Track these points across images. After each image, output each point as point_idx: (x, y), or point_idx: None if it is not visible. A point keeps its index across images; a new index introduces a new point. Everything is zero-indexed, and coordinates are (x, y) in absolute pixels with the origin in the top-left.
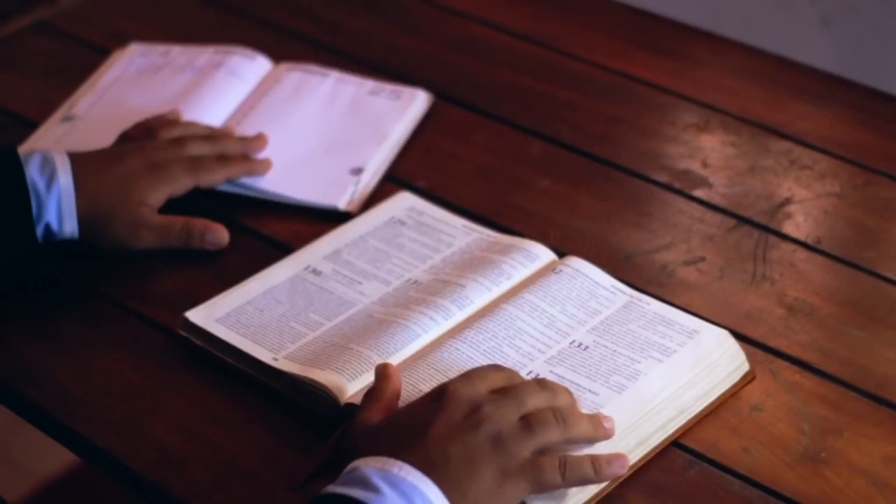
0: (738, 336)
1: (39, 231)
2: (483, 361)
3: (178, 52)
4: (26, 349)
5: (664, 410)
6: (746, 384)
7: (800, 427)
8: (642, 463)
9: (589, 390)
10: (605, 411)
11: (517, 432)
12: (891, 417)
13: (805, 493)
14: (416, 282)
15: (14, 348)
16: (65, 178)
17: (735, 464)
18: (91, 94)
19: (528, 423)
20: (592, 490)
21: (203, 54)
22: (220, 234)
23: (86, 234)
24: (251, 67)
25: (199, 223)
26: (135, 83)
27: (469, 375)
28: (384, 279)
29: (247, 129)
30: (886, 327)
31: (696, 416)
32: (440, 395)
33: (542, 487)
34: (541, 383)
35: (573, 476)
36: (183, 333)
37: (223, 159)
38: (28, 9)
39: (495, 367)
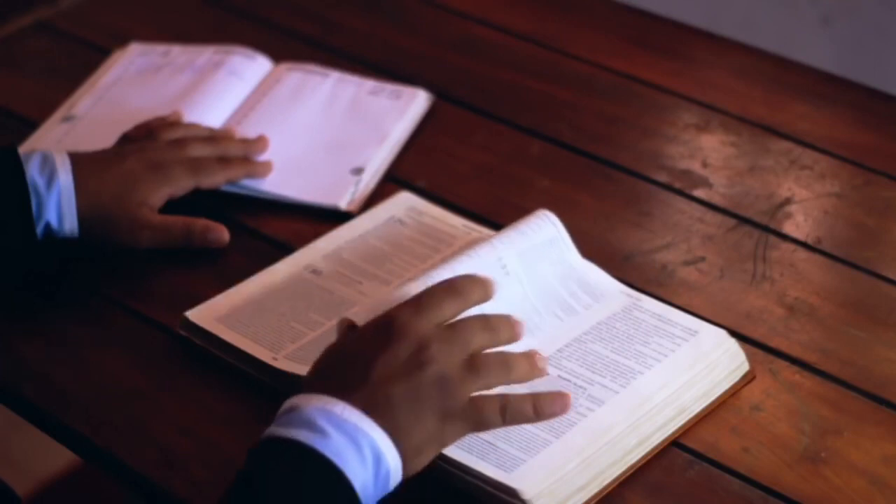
0: (738, 336)
1: (39, 230)
2: None
3: (178, 52)
4: (26, 349)
5: (664, 410)
6: (746, 384)
7: (800, 427)
8: (642, 463)
9: (587, 390)
10: (604, 410)
11: (462, 374)
12: (891, 417)
13: (805, 493)
14: (416, 280)
15: (14, 348)
16: (65, 178)
17: (735, 464)
18: (91, 94)
19: (474, 365)
20: (592, 490)
21: (203, 54)
22: (221, 234)
23: (86, 233)
24: (251, 67)
25: (200, 223)
26: (135, 83)
27: (420, 306)
28: (384, 279)
29: (247, 128)
30: (886, 327)
31: (696, 415)
32: (388, 326)
33: (482, 428)
34: (485, 321)
35: (513, 417)
36: (183, 333)
37: (224, 161)
38: (28, 9)
39: (449, 292)
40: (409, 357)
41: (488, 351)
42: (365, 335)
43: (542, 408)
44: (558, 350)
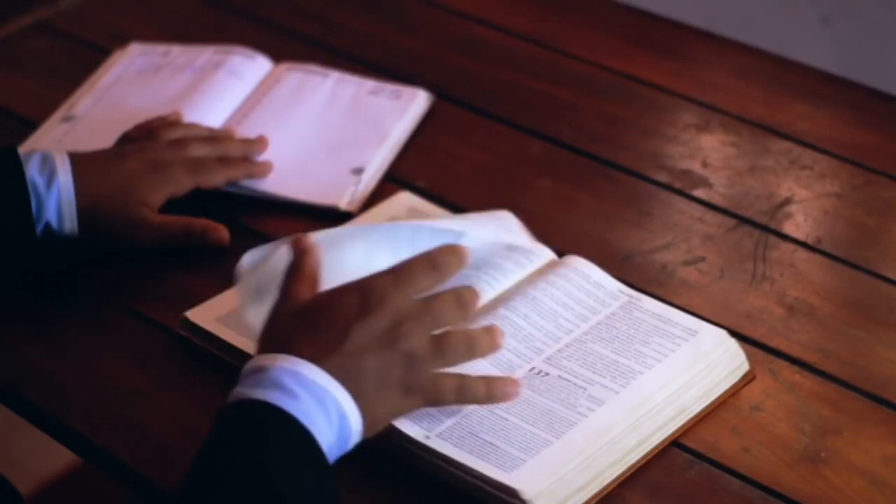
0: (738, 336)
1: (39, 230)
2: (482, 360)
3: (178, 52)
4: (26, 349)
5: (664, 410)
6: (746, 384)
7: (800, 427)
8: (642, 463)
9: (587, 390)
10: (604, 410)
11: (429, 353)
12: (891, 417)
13: (805, 493)
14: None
15: (14, 348)
16: (65, 178)
17: (735, 464)
18: (91, 94)
19: (441, 346)
20: (592, 490)
21: (203, 54)
22: (221, 234)
23: (85, 233)
24: (251, 67)
25: (199, 223)
26: (135, 83)
27: (398, 278)
28: None
29: (247, 128)
30: (886, 327)
31: (696, 415)
32: (366, 294)
33: (436, 404)
34: (458, 299)
35: (466, 398)
36: (183, 333)
37: (224, 161)
38: (28, 9)
39: (427, 266)
40: (383, 330)
41: (454, 330)
42: (341, 300)
43: (494, 392)
44: (559, 350)
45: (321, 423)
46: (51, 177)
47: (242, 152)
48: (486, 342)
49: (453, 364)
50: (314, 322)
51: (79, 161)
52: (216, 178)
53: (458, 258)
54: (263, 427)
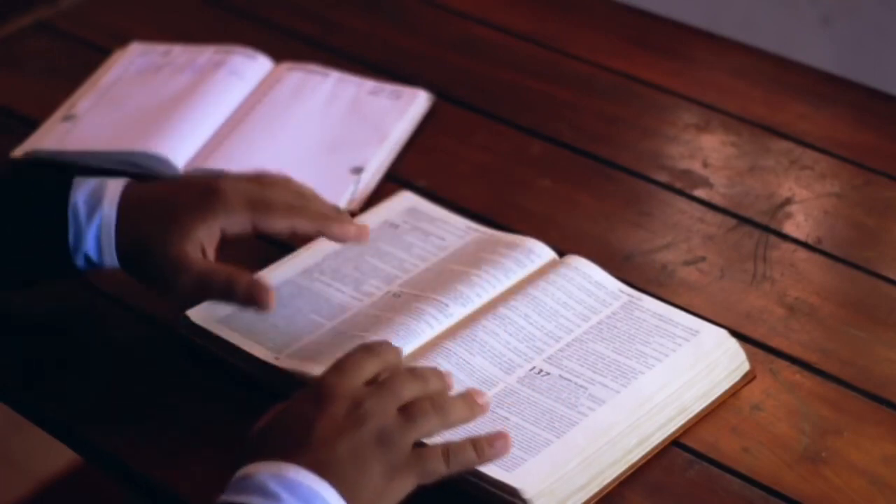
0: (739, 336)
1: (80, 261)
2: (483, 359)
3: (179, 52)
4: (26, 348)
5: (664, 410)
6: (746, 384)
7: (800, 427)
8: (642, 463)
9: (588, 390)
10: (605, 409)
11: (399, 426)
12: (891, 417)
13: (805, 493)
14: (417, 280)
15: (14, 348)
16: (108, 210)
17: (735, 463)
18: (91, 94)
19: (409, 415)
20: (593, 489)
21: (203, 54)
22: (267, 297)
23: (128, 270)
24: (252, 67)
25: (246, 279)
26: (135, 83)
27: (342, 367)
28: (386, 278)
29: (248, 128)
30: (886, 327)
31: (697, 415)
32: (318, 392)
33: (429, 477)
34: (412, 372)
35: (457, 463)
36: (184, 333)
37: (294, 208)
38: (28, 9)
39: (367, 353)
40: (346, 415)
41: (421, 396)
42: (294, 404)
43: (484, 450)
44: (559, 349)
45: None
46: (95, 206)
47: (323, 212)
48: (460, 406)
49: (429, 433)
50: (277, 430)
51: (133, 192)
52: (279, 224)
53: (395, 351)
54: None
